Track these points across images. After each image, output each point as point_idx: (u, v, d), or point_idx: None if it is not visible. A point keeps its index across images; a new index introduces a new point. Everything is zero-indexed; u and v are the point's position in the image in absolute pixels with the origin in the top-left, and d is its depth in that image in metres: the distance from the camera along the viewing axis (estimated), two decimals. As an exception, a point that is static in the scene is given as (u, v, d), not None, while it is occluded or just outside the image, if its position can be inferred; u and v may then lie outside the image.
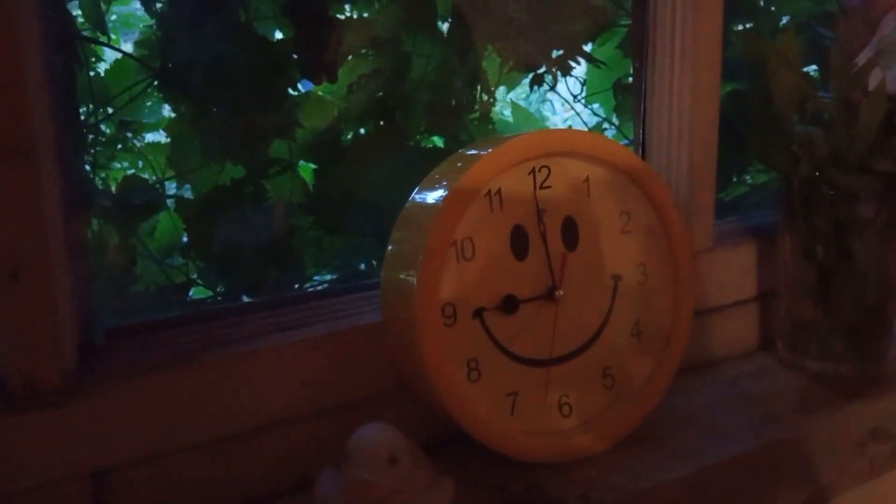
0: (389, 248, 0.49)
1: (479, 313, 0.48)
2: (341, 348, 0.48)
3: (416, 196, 0.49)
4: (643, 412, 0.52)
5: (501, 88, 0.85)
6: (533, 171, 0.49)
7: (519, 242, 0.49)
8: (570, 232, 0.50)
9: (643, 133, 0.61)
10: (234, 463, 0.45)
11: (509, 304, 0.48)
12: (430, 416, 0.49)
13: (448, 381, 0.46)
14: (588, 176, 0.51)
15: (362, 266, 0.83)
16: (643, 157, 0.62)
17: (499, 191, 0.48)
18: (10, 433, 0.39)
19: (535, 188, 0.49)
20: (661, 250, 0.53)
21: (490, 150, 0.47)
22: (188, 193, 0.78)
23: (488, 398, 0.48)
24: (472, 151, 0.49)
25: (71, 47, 0.57)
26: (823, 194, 0.57)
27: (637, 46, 0.61)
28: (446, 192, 0.46)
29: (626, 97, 0.89)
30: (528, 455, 0.48)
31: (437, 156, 0.79)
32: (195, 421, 0.44)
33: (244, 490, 0.46)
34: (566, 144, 0.50)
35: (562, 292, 0.49)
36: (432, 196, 0.48)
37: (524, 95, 1.02)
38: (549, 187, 0.49)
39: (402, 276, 0.47)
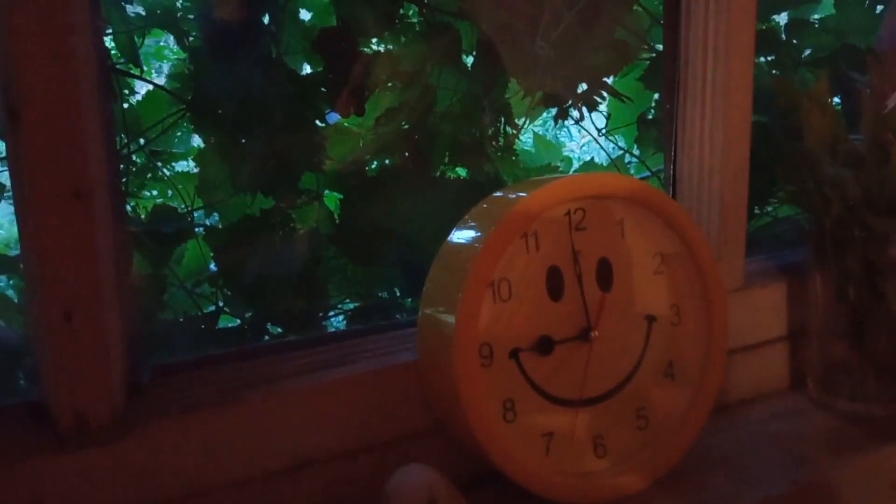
0: (427, 286, 0.50)
1: (514, 354, 0.48)
2: (378, 387, 0.49)
3: (455, 236, 0.50)
4: (677, 453, 0.52)
5: (522, 117, 0.86)
6: (569, 213, 0.50)
7: (554, 283, 0.50)
8: (605, 273, 0.51)
9: (673, 172, 0.62)
10: (273, 501, 0.46)
11: (545, 345, 0.49)
12: (465, 455, 0.49)
13: (484, 421, 0.46)
14: (622, 218, 0.51)
15: (384, 294, 0.84)
16: (673, 195, 0.63)
17: (535, 232, 0.49)
18: (61, 470, 0.40)
19: (570, 230, 0.50)
20: (693, 291, 0.53)
21: (528, 194, 0.48)
22: (216, 222, 0.79)
23: (523, 438, 0.48)
24: (510, 194, 0.50)
25: (108, 81, 0.58)
26: (855, 236, 0.57)
27: (668, 87, 0.62)
28: (485, 234, 0.47)
29: (649, 130, 0.90)
30: (562, 495, 0.49)
31: (461, 187, 0.81)
32: (235, 458, 0.45)
33: (281, 527, 0.46)
34: (602, 188, 0.50)
35: (597, 333, 0.50)
36: (471, 237, 0.48)
37: (541, 122, 1.03)
38: (585, 229, 0.50)
39: (439, 316, 0.48)
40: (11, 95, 0.37)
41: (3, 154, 0.74)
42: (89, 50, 0.39)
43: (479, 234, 0.48)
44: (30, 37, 0.36)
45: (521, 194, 0.48)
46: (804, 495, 0.53)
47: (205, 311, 0.77)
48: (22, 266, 0.62)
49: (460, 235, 0.50)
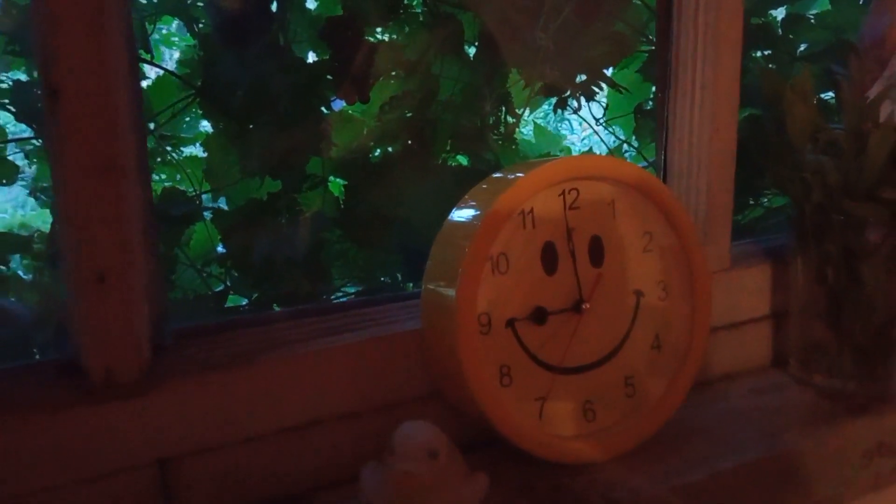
0: (429, 261, 0.53)
1: (511, 323, 0.52)
2: (383, 353, 0.52)
3: (455, 215, 0.53)
4: (662, 419, 0.55)
5: (523, 107, 0.89)
6: (563, 192, 0.53)
7: (549, 258, 0.53)
8: (597, 249, 0.54)
9: (665, 159, 0.65)
10: (284, 457, 0.49)
11: (539, 315, 0.52)
12: (463, 418, 0.53)
13: (482, 386, 0.50)
14: (613, 198, 0.55)
15: (386, 279, 0.87)
16: (664, 181, 0.66)
17: (531, 210, 0.52)
18: (91, 421, 0.43)
19: (565, 209, 0.53)
20: (680, 269, 0.57)
21: (524, 174, 0.51)
22: (222, 205, 0.82)
23: (518, 402, 0.52)
24: (508, 175, 0.53)
25: (136, 61, 0.61)
26: (834, 221, 0.61)
27: (660, 78, 0.66)
28: (484, 212, 0.50)
29: (646, 121, 0.93)
30: (553, 455, 0.52)
31: (462, 174, 0.84)
32: (249, 416, 0.48)
33: (292, 482, 0.50)
34: (594, 169, 0.54)
35: (588, 305, 0.53)
36: (470, 215, 0.52)
37: (542, 115, 1.06)
38: (578, 208, 0.53)
39: (442, 288, 0.51)
40: (52, 76, 0.40)
41: (19, 136, 0.77)
42: (120, 30, 0.42)
43: (478, 211, 0.51)
44: (67, 19, 0.39)
45: (518, 174, 0.52)
46: (779, 462, 0.56)
47: (214, 291, 0.80)
48: (54, 235, 0.65)
49: (461, 213, 0.53)
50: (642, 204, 0.55)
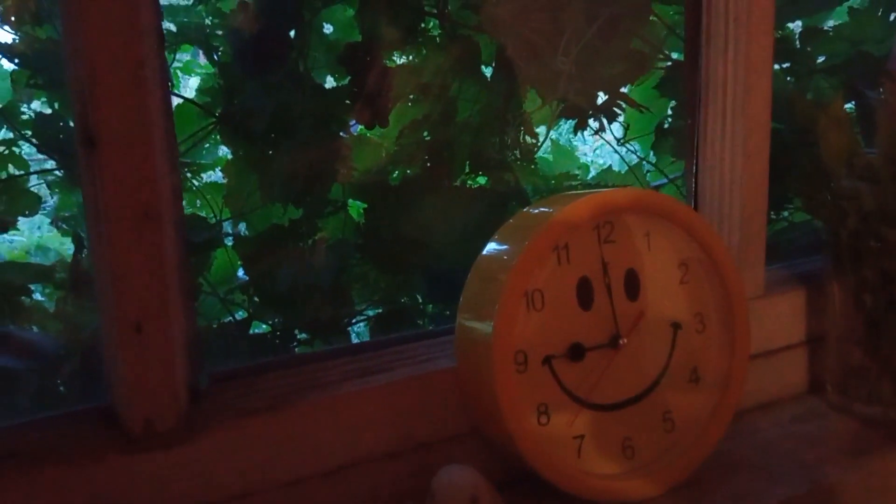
0: (463, 297, 0.53)
1: (548, 360, 0.51)
2: (419, 392, 0.51)
3: (490, 250, 0.53)
4: (703, 454, 0.54)
5: (542, 126, 0.88)
6: (598, 226, 0.52)
7: (585, 293, 0.52)
8: (632, 283, 0.54)
9: (696, 185, 0.65)
10: (323, 500, 0.49)
11: (576, 352, 0.52)
12: (500, 456, 0.52)
13: (520, 425, 0.49)
14: (648, 230, 0.54)
15: (406, 301, 0.87)
16: (695, 207, 0.65)
17: (566, 245, 0.51)
18: (132, 471, 0.43)
19: (599, 242, 0.52)
20: (717, 299, 0.56)
21: (559, 209, 0.51)
22: (242, 230, 0.82)
23: (556, 440, 0.51)
24: (542, 209, 0.53)
25: (170, 108, 0.61)
26: (871, 246, 0.60)
27: (690, 101, 0.65)
28: (520, 247, 0.50)
29: (666, 138, 0.92)
30: (594, 495, 0.51)
31: (482, 195, 0.83)
32: (288, 460, 0.48)
33: (331, 525, 0.49)
34: (628, 202, 0.53)
35: (625, 340, 0.52)
36: (506, 250, 0.51)
37: (555, 128, 1.06)
38: (613, 241, 0.53)
39: (477, 324, 0.50)
40: (89, 124, 0.40)
41: (42, 168, 0.77)
42: (158, 80, 0.42)
43: (514, 247, 0.51)
44: (106, 71, 0.39)
45: (552, 210, 0.51)
46: (824, 495, 0.55)
47: (237, 317, 0.80)
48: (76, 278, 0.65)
49: (496, 249, 0.52)
50: (676, 234, 0.54)
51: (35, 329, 0.72)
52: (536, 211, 0.53)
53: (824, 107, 0.59)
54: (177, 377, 0.44)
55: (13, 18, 0.66)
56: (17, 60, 0.70)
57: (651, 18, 0.88)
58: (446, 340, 0.56)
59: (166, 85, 0.44)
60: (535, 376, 0.50)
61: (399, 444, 0.51)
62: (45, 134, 0.74)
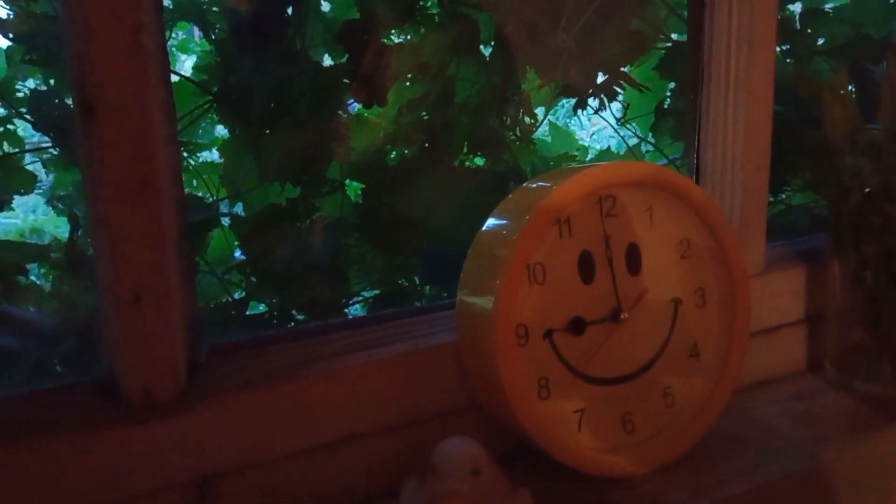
0: (464, 272, 0.52)
1: (548, 334, 0.51)
2: (419, 366, 0.51)
3: (491, 224, 0.52)
4: (702, 430, 0.54)
5: (541, 107, 0.88)
6: (599, 200, 0.52)
7: (586, 267, 0.52)
8: (634, 257, 0.53)
9: (697, 161, 0.64)
10: (322, 473, 0.49)
11: (577, 326, 0.51)
12: (501, 431, 0.52)
13: (521, 399, 0.49)
14: (651, 205, 0.54)
15: (404, 282, 0.87)
16: (697, 184, 0.65)
17: (568, 219, 0.51)
18: (131, 441, 0.42)
19: (602, 216, 0.52)
20: (718, 275, 0.55)
21: (561, 182, 0.50)
22: (238, 211, 0.82)
23: (557, 415, 0.51)
24: (543, 183, 0.52)
25: (169, 76, 0.61)
26: (873, 223, 0.59)
27: (691, 79, 0.64)
28: (521, 221, 0.49)
29: (665, 119, 0.92)
30: (593, 469, 0.51)
31: (480, 176, 0.83)
32: (287, 432, 0.47)
33: (331, 499, 0.49)
34: (630, 176, 0.53)
35: (627, 314, 0.52)
36: (507, 224, 0.51)
37: (552, 111, 1.05)
38: (615, 215, 0.52)
39: (478, 299, 0.50)
40: (86, 92, 0.39)
41: (37, 145, 0.76)
42: (156, 47, 0.41)
43: (514, 221, 0.50)
44: (104, 36, 0.39)
45: (554, 183, 0.51)
46: (823, 471, 0.55)
47: (234, 298, 0.80)
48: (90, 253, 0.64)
49: (496, 223, 0.52)
50: (679, 209, 0.54)
51: (31, 309, 0.71)
52: (536, 185, 0.53)
53: (828, 82, 0.59)
54: (176, 348, 0.43)
55: (8, -7, 0.65)
56: (11, 36, 0.69)
57: (651, -2, 0.88)
58: (446, 315, 0.55)
59: (165, 54, 0.44)
60: (536, 350, 0.50)
61: (399, 418, 0.51)
62: (41, 111, 0.73)
